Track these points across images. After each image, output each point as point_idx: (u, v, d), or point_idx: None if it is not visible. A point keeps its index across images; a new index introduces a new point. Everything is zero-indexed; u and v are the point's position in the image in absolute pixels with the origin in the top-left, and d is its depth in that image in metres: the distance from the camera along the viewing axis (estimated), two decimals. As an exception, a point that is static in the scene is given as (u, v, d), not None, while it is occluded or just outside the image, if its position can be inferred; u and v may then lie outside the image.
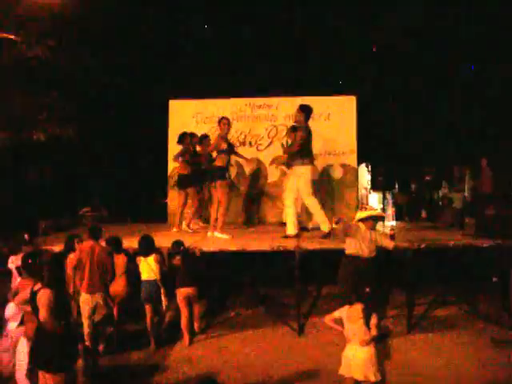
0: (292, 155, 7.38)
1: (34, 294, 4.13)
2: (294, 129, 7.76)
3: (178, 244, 6.20)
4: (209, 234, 7.57)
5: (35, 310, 4.12)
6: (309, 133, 7.31)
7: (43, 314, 3.99)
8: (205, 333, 6.49)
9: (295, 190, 7.34)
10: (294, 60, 13.14)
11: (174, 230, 8.11)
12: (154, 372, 5.49)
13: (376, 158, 11.67)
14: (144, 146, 9.37)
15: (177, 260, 6.13)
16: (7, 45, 9.20)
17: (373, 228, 5.80)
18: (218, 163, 7.49)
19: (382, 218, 5.99)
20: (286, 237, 7.23)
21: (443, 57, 12.57)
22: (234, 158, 8.87)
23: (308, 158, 7.27)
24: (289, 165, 7.62)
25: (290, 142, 8.21)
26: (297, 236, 7.26)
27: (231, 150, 7.79)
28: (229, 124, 7.63)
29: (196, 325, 6.49)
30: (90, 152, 11.55)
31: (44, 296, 4.02)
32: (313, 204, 7.31)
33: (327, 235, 7.09)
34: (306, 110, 7.34)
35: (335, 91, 10.02)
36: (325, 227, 7.21)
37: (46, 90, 9.73)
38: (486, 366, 5.36)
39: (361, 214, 5.81)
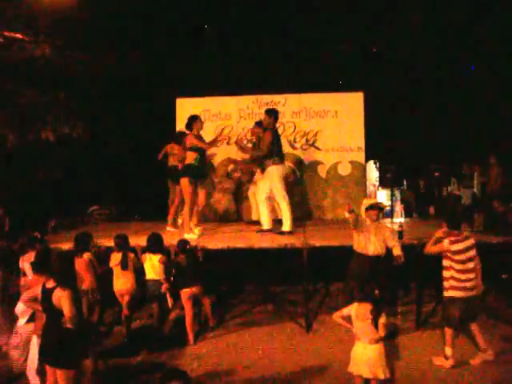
0: (262, 157, 7.55)
1: (46, 291, 4.18)
2: (259, 124, 8.02)
3: (182, 243, 6.22)
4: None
5: (47, 306, 4.16)
6: (276, 134, 7.59)
7: (71, 311, 4.05)
8: (213, 330, 6.51)
9: (267, 189, 7.50)
10: (302, 56, 13.11)
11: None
12: (162, 369, 5.51)
13: (384, 155, 11.61)
14: (152, 144, 9.38)
15: (181, 259, 6.15)
16: (16, 44, 9.25)
17: (376, 219, 5.83)
18: (187, 160, 7.48)
19: (380, 208, 5.99)
20: (262, 231, 7.50)
21: (453, 53, 12.48)
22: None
23: (278, 158, 7.49)
24: (261, 168, 7.75)
25: (253, 139, 8.43)
26: (271, 230, 7.49)
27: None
28: (201, 121, 7.67)
29: (210, 319, 6.53)
30: (99, 150, 11.60)
31: (65, 295, 4.08)
32: (285, 208, 7.51)
33: (284, 233, 7.36)
34: (273, 113, 7.64)
35: (342, 87, 9.97)
36: (286, 227, 7.47)
37: (54, 89, 9.78)
38: (496, 363, 5.33)
39: (365, 202, 5.98)
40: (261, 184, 7.72)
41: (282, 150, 7.75)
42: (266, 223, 7.57)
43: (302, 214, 9.33)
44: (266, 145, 7.41)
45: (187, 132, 7.58)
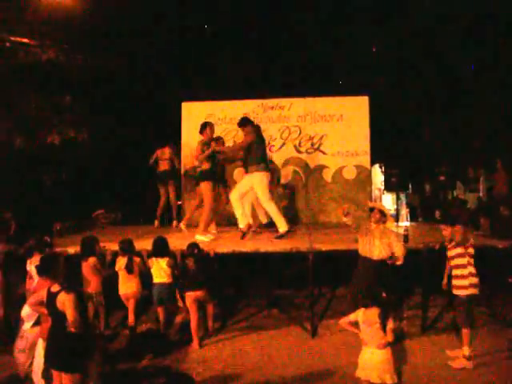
0: (246, 160, 7.49)
1: (51, 295, 4.19)
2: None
3: (192, 246, 6.22)
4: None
5: (52, 310, 4.17)
6: (259, 138, 7.42)
7: (74, 316, 4.05)
8: (218, 334, 6.50)
9: (243, 189, 7.43)
10: (306, 60, 13.13)
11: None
12: (167, 374, 5.49)
13: (390, 159, 11.60)
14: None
15: (190, 262, 6.14)
16: (22, 49, 9.30)
17: (378, 221, 5.81)
18: (205, 166, 7.51)
19: (384, 214, 5.95)
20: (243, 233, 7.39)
21: (457, 57, 12.48)
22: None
23: (263, 163, 7.34)
24: (245, 168, 7.72)
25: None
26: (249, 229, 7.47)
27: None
28: (211, 128, 7.68)
29: (210, 324, 6.50)
30: (104, 154, 11.63)
31: (68, 299, 4.09)
32: (271, 209, 7.42)
33: (281, 236, 7.28)
34: (245, 122, 7.49)
35: (348, 92, 9.97)
36: (281, 228, 7.37)
37: (60, 93, 9.82)
38: (503, 368, 5.30)
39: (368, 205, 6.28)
40: (238, 184, 7.70)
41: (267, 157, 7.63)
42: (243, 222, 7.44)
43: (307, 218, 9.33)
44: (243, 143, 7.39)
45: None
